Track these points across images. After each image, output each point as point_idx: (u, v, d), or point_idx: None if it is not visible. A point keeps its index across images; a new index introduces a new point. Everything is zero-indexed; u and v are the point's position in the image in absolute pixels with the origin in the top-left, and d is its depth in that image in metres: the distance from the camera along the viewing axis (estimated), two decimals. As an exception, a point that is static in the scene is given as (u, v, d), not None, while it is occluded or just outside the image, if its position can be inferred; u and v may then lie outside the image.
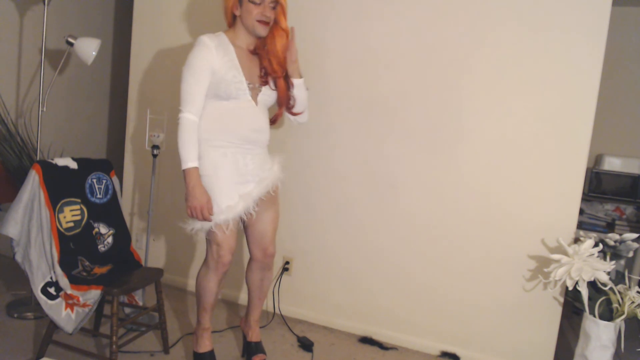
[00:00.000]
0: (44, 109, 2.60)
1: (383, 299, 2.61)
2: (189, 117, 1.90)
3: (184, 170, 1.89)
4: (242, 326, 2.31)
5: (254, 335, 2.25)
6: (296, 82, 2.11)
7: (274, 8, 1.99)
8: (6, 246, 2.36)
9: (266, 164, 2.09)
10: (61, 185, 2.10)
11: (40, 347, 2.02)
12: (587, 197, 3.23)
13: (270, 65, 2.05)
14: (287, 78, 2.09)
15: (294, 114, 2.17)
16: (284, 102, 2.12)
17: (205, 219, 1.91)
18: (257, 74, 2.05)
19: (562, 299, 2.28)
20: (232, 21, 2.04)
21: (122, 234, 2.34)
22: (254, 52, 2.07)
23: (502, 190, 2.35)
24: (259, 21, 1.96)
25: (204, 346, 2.11)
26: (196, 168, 1.90)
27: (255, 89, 2.02)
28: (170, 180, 3.05)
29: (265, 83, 2.06)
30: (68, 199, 2.12)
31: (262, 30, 1.99)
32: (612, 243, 2.10)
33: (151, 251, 3.07)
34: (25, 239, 2.00)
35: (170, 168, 3.04)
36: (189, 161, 1.89)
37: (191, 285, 3.03)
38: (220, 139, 1.97)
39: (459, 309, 2.46)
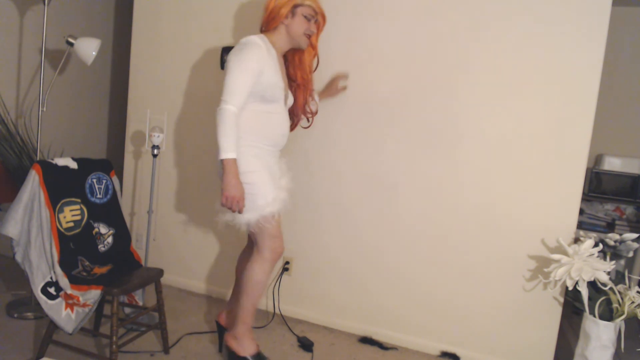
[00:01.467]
0: (44, 109, 2.60)
1: (383, 299, 2.61)
2: (232, 109, 1.89)
3: (222, 160, 1.88)
4: (223, 322, 2.30)
5: None
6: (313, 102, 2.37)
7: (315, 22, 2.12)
8: (6, 246, 2.36)
9: (281, 167, 2.19)
10: (61, 185, 2.10)
11: (40, 347, 2.02)
12: (587, 197, 3.23)
13: (295, 76, 2.17)
14: (306, 91, 2.22)
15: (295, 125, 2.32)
16: (302, 112, 2.27)
17: (239, 211, 1.93)
18: (285, 79, 2.13)
19: (562, 299, 2.28)
20: (274, 27, 2.07)
21: (122, 234, 2.34)
22: (284, 58, 2.16)
23: (502, 191, 2.35)
24: (306, 35, 2.07)
25: (254, 345, 2.08)
26: (235, 159, 1.89)
27: (286, 95, 2.11)
28: (171, 180, 3.06)
29: (291, 89, 2.18)
30: (68, 199, 2.12)
31: (306, 44, 2.10)
32: (612, 243, 2.10)
33: (151, 251, 3.07)
34: (25, 239, 2.00)
35: (170, 168, 3.05)
36: (229, 151, 1.87)
37: (191, 285, 3.03)
38: (254, 140, 2.00)
39: (459, 309, 2.46)
